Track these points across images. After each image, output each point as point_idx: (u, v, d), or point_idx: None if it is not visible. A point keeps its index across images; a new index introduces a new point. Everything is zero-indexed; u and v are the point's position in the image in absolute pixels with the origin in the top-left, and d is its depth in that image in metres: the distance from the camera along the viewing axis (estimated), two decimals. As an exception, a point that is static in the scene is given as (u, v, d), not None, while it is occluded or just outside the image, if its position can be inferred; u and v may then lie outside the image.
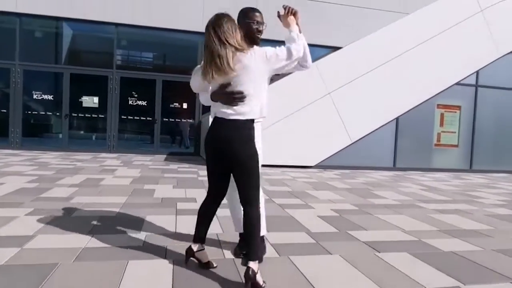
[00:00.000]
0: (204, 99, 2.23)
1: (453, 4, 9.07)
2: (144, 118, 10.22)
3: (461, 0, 9.09)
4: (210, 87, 2.12)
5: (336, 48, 9.82)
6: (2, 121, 9.32)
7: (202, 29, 2.12)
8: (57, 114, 9.78)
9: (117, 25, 9.66)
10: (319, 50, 10.65)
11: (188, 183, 5.43)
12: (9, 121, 9.27)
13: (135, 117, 10.20)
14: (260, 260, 2.27)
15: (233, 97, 2.02)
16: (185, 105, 10.42)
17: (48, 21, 9.58)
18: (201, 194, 4.55)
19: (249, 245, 2.04)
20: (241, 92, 2.02)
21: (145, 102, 10.16)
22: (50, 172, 5.76)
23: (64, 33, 10.08)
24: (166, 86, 10.11)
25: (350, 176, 7.26)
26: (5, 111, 9.38)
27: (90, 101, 9.83)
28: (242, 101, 2.03)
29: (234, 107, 2.04)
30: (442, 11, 9.01)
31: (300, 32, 2.22)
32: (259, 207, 2.12)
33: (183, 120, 10.56)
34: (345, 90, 8.49)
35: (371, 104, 8.54)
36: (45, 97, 9.70)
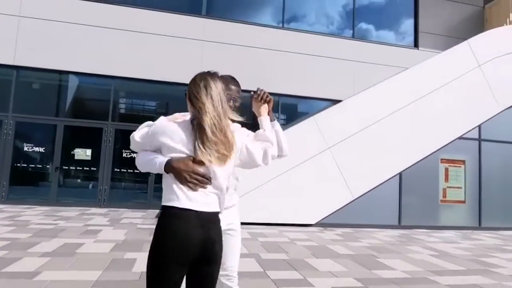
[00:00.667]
0: (148, 162, 1.64)
1: (451, 60, 9.12)
2: (138, 171, 9.89)
3: (459, 56, 9.15)
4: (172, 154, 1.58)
5: (335, 101, 9.76)
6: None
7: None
8: (47, 166, 9.47)
9: (113, 77, 9.68)
10: (318, 102, 10.61)
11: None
12: (-4, 174, 8.94)
13: (129, 170, 9.88)
14: None
15: (196, 173, 1.53)
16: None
17: (44, 73, 9.60)
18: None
19: None
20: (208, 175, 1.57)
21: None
22: (26, 234, 5.30)
23: (61, 85, 10.10)
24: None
25: (353, 237, 6.74)
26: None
27: (83, 153, 9.57)
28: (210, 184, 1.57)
29: (210, 194, 1.58)
30: (440, 66, 9.03)
31: (273, 119, 1.94)
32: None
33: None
34: (345, 144, 8.24)
35: (373, 159, 8.24)
36: (37, 149, 9.45)
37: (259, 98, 1.90)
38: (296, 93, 10.57)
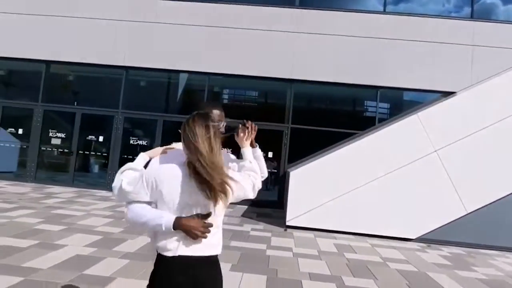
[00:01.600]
0: (148, 221, 1.54)
1: None
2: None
3: None
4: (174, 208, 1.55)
5: (446, 94, 8.29)
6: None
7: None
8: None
9: (207, 74, 9.92)
10: (424, 95, 9.20)
11: (252, 261, 4.70)
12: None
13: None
14: None
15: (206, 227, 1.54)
16: (270, 154, 9.92)
17: (149, 72, 10.34)
18: (259, 284, 3.76)
19: None
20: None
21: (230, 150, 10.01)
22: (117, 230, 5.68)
23: (162, 82, 10.78)
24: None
25: (465, 263, 5.58)
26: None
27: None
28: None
29: (203, 239, 1.54)
30: None
31: (255, 146, 1.97)
32: None
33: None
34: (457, 147, 6.91)
35: (495, 165, 6.73)
36: (141, 142, 10.31)
37: (248, 130, 1.88)
38: (399, 85, 9.32)
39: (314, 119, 9.97)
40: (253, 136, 1.92)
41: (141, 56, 9.87)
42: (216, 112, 1.90)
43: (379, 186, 6.85)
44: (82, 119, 10.35)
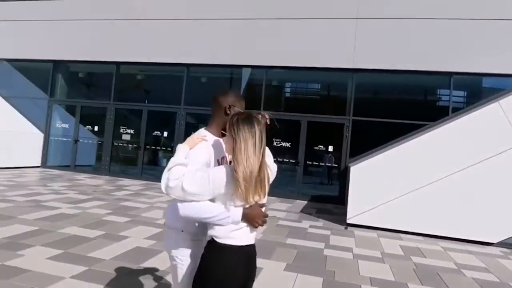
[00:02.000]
0: (215, 215, 1.65)
1: None
2: (287, 160, 9.87)
3: None
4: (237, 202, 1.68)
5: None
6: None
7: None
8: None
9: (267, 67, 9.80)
10: (505, 80, 8.08)
11: (307, 260, 4.50)
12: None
13: (279, 159, 9.96)
14: None
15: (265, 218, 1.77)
16: (330, 148, 9.53)
17: (211, 68, 10.53)
18: (314, 287, 3.57)
19: None
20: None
21: (290, 144, 9.82)
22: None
23: (225, 77, 10.94)
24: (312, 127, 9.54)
25: (561, 275, 4.76)
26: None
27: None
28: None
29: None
30: None
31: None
32: None
33: (327, 164, 9.66)
34: (552, 139, 5.91)
35: None
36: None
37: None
38: (476, 70, 8.30)
39: (378, 110, 9.34)
40: None
41: (201, 53, 10.10)
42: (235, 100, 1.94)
43: (454, 182, 6.15)
44: (148, 116, 10.96)
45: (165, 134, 11.07)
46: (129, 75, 11.86)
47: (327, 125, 9.72)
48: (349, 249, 5.15)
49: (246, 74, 10.74)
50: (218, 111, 1.93)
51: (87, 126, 11.83)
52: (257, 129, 1.65)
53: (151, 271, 3.68)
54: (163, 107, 11.00)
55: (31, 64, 12.01)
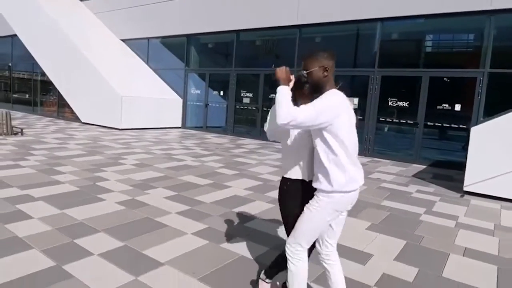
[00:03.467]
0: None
1: None
2: (404, 121, 9.10)
3: None
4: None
5: None
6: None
7: None
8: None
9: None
10: None
11: (397, 223, 4.32)
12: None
13: (395, 120, 9.26)
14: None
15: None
16: (457, 107, 8.31)
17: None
18: (391, 249, 3.49)
19: None
20: None
21: (407, 103, 8.97)
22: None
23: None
24: (434, 84, 8.46)
25: None
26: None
27: (351, 102, 9.83)
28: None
29: None
30: None
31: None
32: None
33: (452, 125, 8.49)
34: None
35: None
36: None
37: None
38: None
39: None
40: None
41: (314, 13, 9.92)
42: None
43: None
44: (264, 80, 11.47)
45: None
46: (248, 42, 12.56)
47: (454, 80, 8.47)
48: (453, 217, 4.67)
49: (356, 28, 10.06)
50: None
51: (215, 92, 13.25)
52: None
53: (240, 215, 4.21)
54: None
55: (170, 39, 13.95)
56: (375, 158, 9.15)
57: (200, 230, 3.67)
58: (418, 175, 7.36)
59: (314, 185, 2.09)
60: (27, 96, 17.85)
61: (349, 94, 9.77)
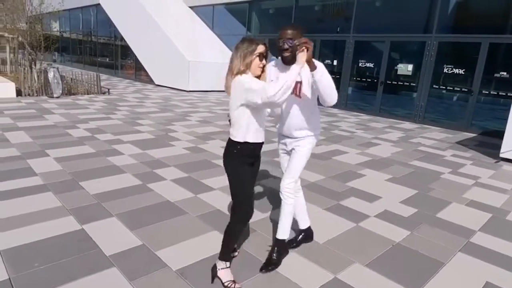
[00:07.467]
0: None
1: None
2: (458, 89, 9.04)
3: None
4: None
5: None
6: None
7: None
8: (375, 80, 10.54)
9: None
10: None
11: (416, 177, 4.88)
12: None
13: (448, 87, 9.22)
14: (277, 264, 2.55)
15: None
16: (516, 75, 8.07)
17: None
18: (402, 196, 4.17)
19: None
20: (228, 115, 2.26)
21: (463, 70, 8.86)
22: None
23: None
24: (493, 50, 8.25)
25: None
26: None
27: (405, 68, 9.90)
28: (229, 124, 2.27)
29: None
30: None
31: (313, 69, 2.23)
32: (233, 222, 2.29)
33: (509, 93, 8.28)
34: None
35: None
36: (369, 64, 10.71)
37: (298, 47, 2.11)
38: None
39: None
40: (309, 55, 2.11)
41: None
42: (284, 31, 2.31)
43: None
44: (391, 47, 10.07)
45: (410, 67, 9.92)
46: (306, 7, 12.82)
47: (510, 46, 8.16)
48: (475, 178, 5.08)
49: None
50: None
51: (326, 61, 11.85)
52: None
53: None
54: (409, 37, 9.78)
55: (234, 6, 14.71)
56: (424, 125, 9.33)
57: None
58: (463, 143, 7.55)
59: (305, 132, 2.56)
60: (107, 60, 20.12)
61: (405, 61, 9.88)
